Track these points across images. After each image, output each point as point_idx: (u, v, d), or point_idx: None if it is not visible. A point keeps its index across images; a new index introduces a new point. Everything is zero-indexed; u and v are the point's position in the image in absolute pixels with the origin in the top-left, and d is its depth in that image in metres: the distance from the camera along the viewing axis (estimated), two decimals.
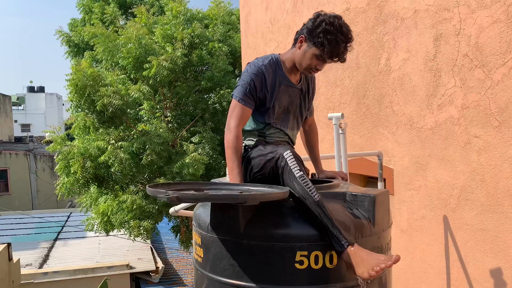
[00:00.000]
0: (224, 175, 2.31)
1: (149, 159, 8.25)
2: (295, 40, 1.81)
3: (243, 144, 1.86)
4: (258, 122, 1.87)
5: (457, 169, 2.41)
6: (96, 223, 9.15)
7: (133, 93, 8.49)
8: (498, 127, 2.14)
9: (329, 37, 1.68)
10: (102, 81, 8.23)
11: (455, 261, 2.47)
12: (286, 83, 1.85)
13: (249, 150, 1.82)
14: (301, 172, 1.54)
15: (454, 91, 2.40)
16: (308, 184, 1.51)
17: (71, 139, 9.67)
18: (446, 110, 2.46)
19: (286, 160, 1.58)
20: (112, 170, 8.26)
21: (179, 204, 2.84)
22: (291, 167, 1.56)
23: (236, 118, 1.78)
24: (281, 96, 1.84)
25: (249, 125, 1.88)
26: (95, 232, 9.66)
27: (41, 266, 9.07)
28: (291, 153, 1.59)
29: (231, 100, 1.83)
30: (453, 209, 2.46)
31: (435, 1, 2.51)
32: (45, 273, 7.91)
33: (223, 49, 9.53)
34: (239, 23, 9.91)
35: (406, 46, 2.77)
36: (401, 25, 2.81)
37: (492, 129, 2.17)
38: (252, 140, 1.87)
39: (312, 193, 1.50)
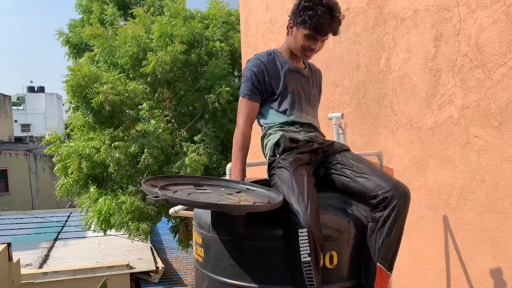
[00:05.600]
0: (224, 174, 2.29)
1: (146, 162, 8.25)
2: (287, 29, 1.82)
3: (271, 143, 1.76)
4: (278, 113, 1.80)
5: (457, 169, 2.41)
6: (94, 222, 9.15)
7: (130, 88, 8.45)
8: (498, 127, 2.14)
9: (309, 13, 1.68)
10: (99, 80, 8.21)
11: (455, 261, 2.47)
12: (289, 66, 1.82)
13: (276, 155, 1.70)
14: (309, 258, 1.39)
15: (454, 91, 2.40)
16: (309, 274, 1.39)
17: (70, 140, 9.68)
18: (446, 110, 2.46)
19: (299, 237, 1.40)
20: (109, 170, 8.26)
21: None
22: (301, 247, 1.39)
23: (243, 114, 1.77)
24: (289, 80, 1.81)
25: (270, 118, 1.82)
26: (94, 231, 9.67)
27: (41, 266, 9.07)
28: (306, 234, 1.39)
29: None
30: (453, 209, 2.46)
31: (435, 1, 2.51)
32: (45, 273, 7.92)
33: (225, 48, 9.52)
34: (238, 24, 9.91)
35: (406, 46, 2.77)
36: (401, 25, 2.82)
37: (492, 129, 2.17)
38: (275, 136, 1.74)
39: (309, 283, 1.39)
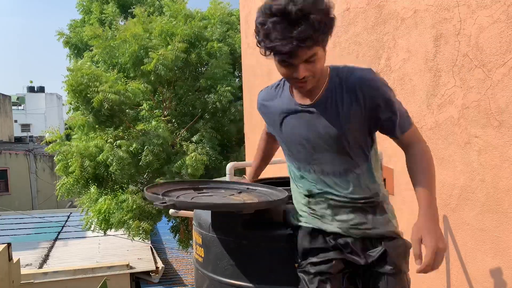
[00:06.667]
0: (224, 175, 2.31)
1: (147, 160, 8.24)
2: None
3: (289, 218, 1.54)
4: (292, 169, 1.46)
5: (457, 169, 2.41)
6: (93, 222, 9.15)
7: (130, 87, 8.45)
8: (498, 127, 2.14)
9: (262, 29, 1.12)
10: (99, 80, 8.19)
11: (455, 261, 2.47)
12: (289, 110, 1.32)
13: (292, 219, 1.51)
14: None
15: (454, 91, 2.41)
16: None
17: (70, 139, 9.67)
18: (446, 110, 2.47)
19: None
20: (110, 169, 8.26)
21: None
22: None
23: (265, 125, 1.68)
24: (291, 129, 1.33)
25: (291, 172, 1.48)
26: (93, 231, 9.67)
27: (41, 266, 9.07)
28: None
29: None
30: (453, 209, 2.46)
31: (435, 1, 2.51)
32: (45, 273, 7.93)
33: (223, 48, 9.51)
34: (238, 24, 9.91)
35: (406, 46, 2.77)
36: (401, 25, 2.82)
37: (492, 129, 2.17)
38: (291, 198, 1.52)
39: None
